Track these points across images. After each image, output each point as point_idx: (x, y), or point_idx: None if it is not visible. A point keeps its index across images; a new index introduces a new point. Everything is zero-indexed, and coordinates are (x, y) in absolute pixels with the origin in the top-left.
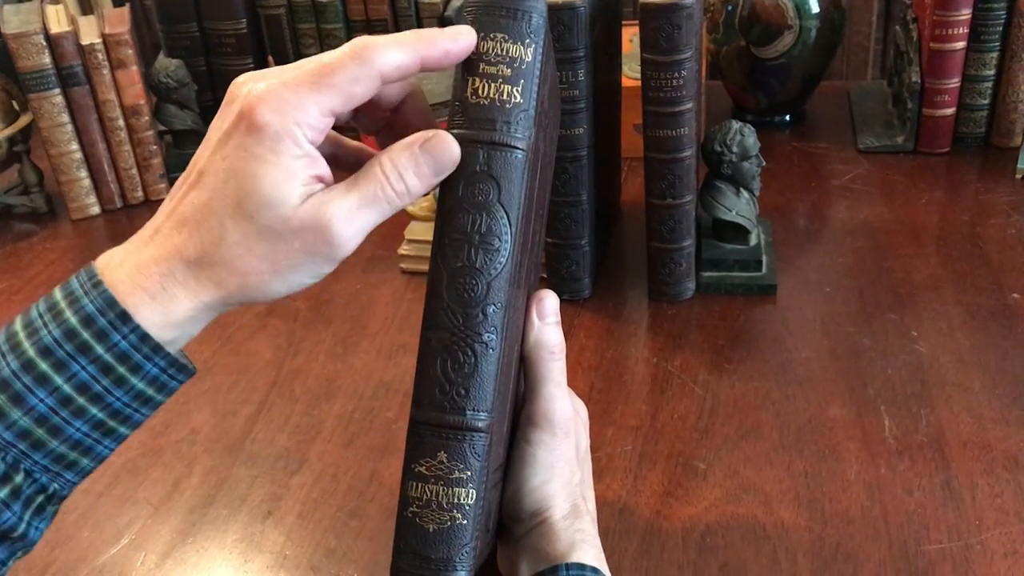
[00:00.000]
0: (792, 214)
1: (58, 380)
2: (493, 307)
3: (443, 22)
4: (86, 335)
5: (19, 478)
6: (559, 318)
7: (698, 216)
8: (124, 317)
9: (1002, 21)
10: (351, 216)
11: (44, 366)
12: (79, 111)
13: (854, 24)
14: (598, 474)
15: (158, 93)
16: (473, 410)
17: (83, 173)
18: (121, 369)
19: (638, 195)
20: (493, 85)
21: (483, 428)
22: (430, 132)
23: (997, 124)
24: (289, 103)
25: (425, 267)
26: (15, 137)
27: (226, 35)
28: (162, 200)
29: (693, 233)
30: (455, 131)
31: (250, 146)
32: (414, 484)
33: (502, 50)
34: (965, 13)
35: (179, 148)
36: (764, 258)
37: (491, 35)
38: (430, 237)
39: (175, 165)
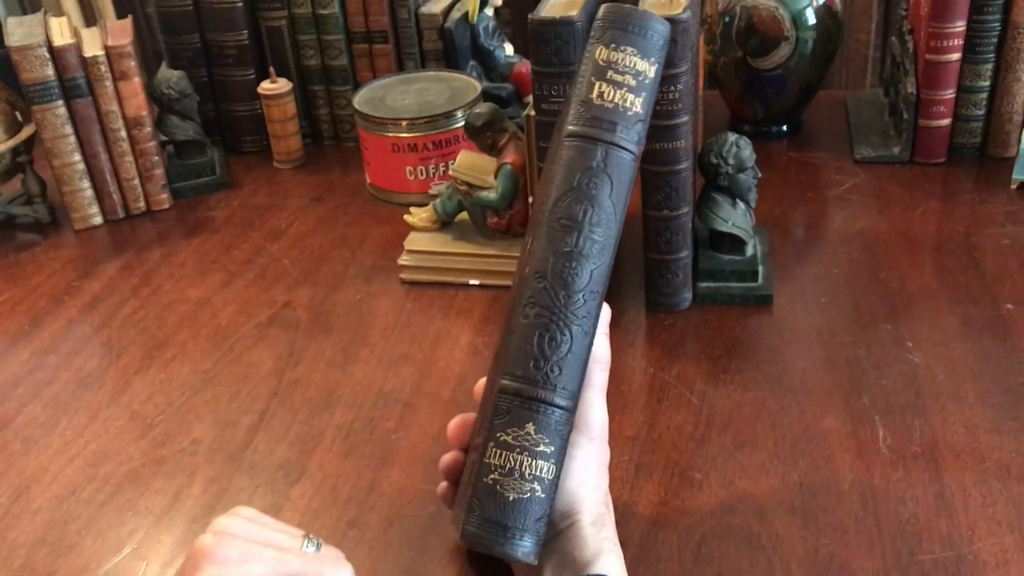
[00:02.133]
0: (788, 224)
1: None
2: (593, 295)
3: (443, 34)
4: None
5: None
6: (609, 331)
7: (695, 227)
8: None
9: (997, 33)
10: None
11: None
12: (82, 122)
13: (853, 33)
14: None
15: (160, 104)
16: (563, 389)
17: (86, 184)
18: None
19: (635, 207)
20: (619, 92)
21: (568, 408)
22: None
23: (992, 135)
24: None
25: (424, 277)
26: (18, 148)
27: (228, 46)
28: (164, 210)
29: (690, 244)
30: (575, 127)
31: None
32: (498, 452)
33: (630, 63)
34: (960, 25)
35: (181, 158)
36: (760, 269)
37: (622, 47)
38: (430, 248)
39: (177, 175)
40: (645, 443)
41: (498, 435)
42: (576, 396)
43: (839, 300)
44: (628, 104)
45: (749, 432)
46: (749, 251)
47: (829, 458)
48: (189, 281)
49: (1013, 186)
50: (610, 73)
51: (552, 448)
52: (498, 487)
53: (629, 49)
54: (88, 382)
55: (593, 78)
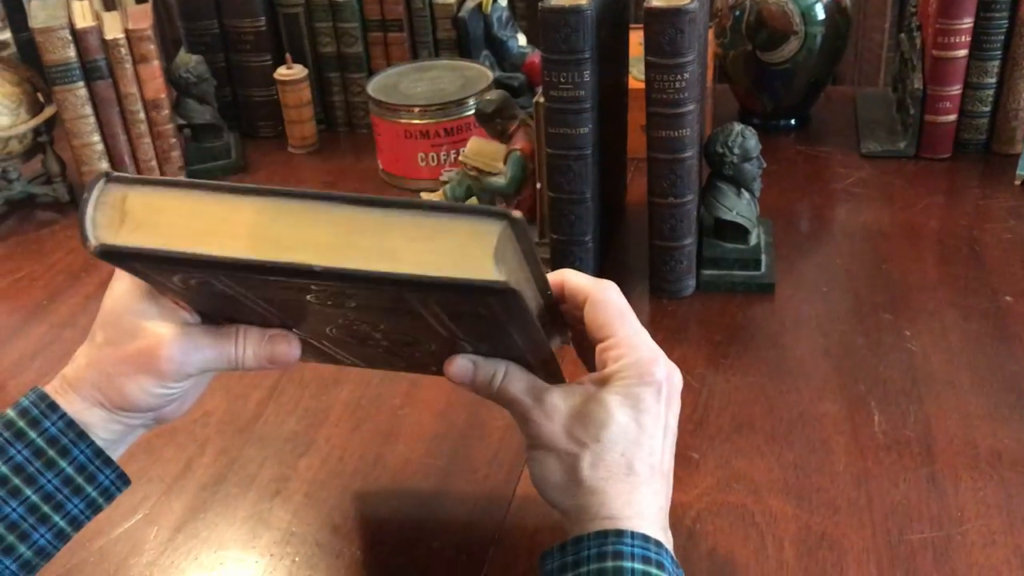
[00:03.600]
0: (793, 216)
1: None
2: None
3: (457, 23)
4: (21, 423)
5: None
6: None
7: (700, 216)
8: (53, 407)
9: (1004, 30)
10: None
11: None
12: (102, 104)
13: (867, 31)
14: None
15: (178, 88)
16: None
17: (104, 164)
18: (51, 452)
19: (644, 194)
20: None
21: None
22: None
23: (998, 131)
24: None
25: None
26: (39, 128)
27: (245, 32)
28: None
29: (694, 232)
30: None
31: None
32: None
33: None
34: (967, 21)
35: (198, 141)
36: (763, 257)
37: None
38: None
39: (194, 158)
40: None
41: None
42: None
43: (840, 290)
44: None
45: (747, 415)
46: (753, 240)
47: (824, 441)
48: None
49: (1017, 182)
50: None
51: None
52: None
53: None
54: None
55: None
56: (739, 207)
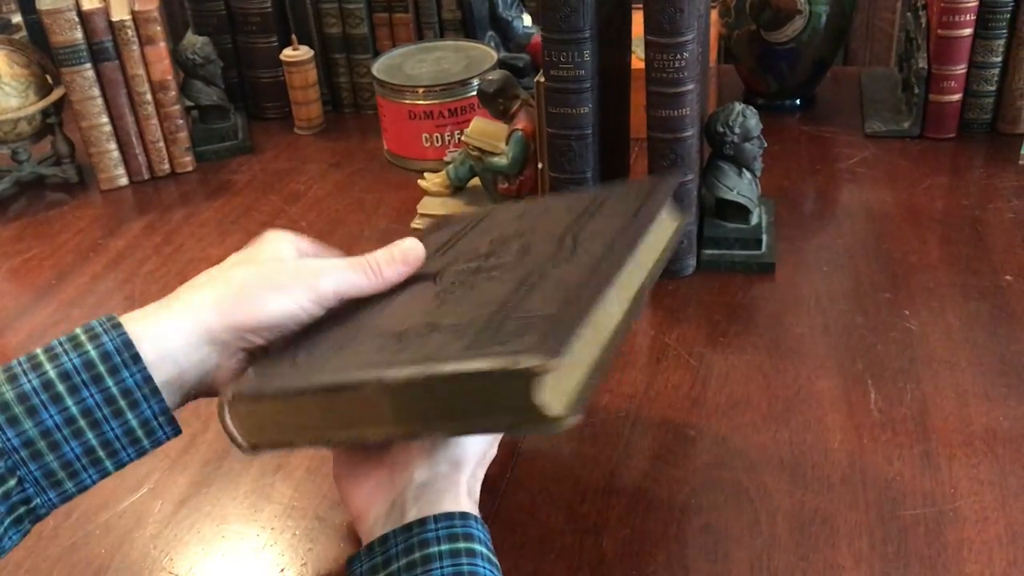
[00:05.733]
0: (796, 196)
1: (69, 401)
2: None
3: (462, 4)
4: (102, 368)
5: (12, 482)
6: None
7: (701, 195)
8: (136, 359)
9: (1010, 9)
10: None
11: (61, 387)
12: (109, 85)
13: (878, 11)
14: (592, 438)
15: (185, 69)
16: None
17: (112, 145)
18: (122, 402)
19: (642, 173)
20: None
21: None
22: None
23: (1003, 111)
24: None
25: None
26: (48, 110)
27: (252, 14)
28: (187, 172)
29: (695, 211)
30: None
31: None
32: None
33: None
34: (972, 0)
35: (205, 123)
36: (764, 237)
37: None
38: (442, 212)
39: (200, 139)
40: (643, 401)
41: None
42: None
43: (841, 269)
44: None
45: (744, 392)
46: (754, 220)
47: (820, 418)
48: (210, 240)
49: (1021, 162)
50: None
51: None
52: None
53: None
54: None
55: None
56: (740, 187)
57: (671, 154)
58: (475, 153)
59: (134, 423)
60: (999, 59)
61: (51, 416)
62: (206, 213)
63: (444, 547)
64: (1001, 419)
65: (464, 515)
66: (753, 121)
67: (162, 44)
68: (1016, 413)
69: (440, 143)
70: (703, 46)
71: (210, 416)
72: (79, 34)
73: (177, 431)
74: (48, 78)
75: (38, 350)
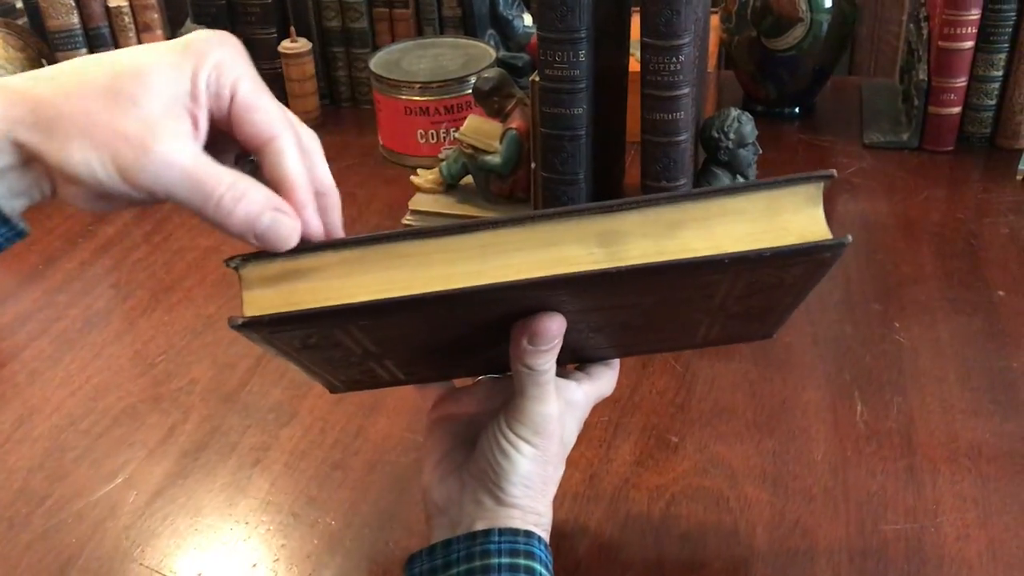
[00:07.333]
0: None
1: None
2: None
3: (462, 1)
4: None
5: None
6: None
7: None
8: None
9: (1012, 22)
10: (184, 165)
11: None
12: None
13: (884, 22)
14: None
15: None
16: None
17: None
18: None
19: (635, 177)
20: None
21: None
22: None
23: (1003, 125)
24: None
25: None
26: None
27: (252, 5)
28: None
29: None
30: None
31: None
32: None
33: None
34: (975, 13)
35: None
36: None
37: None
38: (434, 209)
39: None
40: (626, 405)
41: None
42: None
43: (831, 279)
44: None
45: (728, 400)
46: None
47: (805, 429)
48: (200, 230)
49: (1019, 177)
50: None
51: None
52: None
53: None
54: (95, 321)
55: None
56: None
57: (664, 158)
58: (469, 151)
59: None
60: (1000, 73)
61: None
62: None
63: (504, 560)
64: (987, 435)
65: (528, 534)
66: (748, 127)
67: (159, 31)
68: (1002, 430)
69: (435, 140)
70: (700, 50)
71: (191, 406)
72: (75, 19)
73: (21, 233)
74: (43, 62)
75: None
